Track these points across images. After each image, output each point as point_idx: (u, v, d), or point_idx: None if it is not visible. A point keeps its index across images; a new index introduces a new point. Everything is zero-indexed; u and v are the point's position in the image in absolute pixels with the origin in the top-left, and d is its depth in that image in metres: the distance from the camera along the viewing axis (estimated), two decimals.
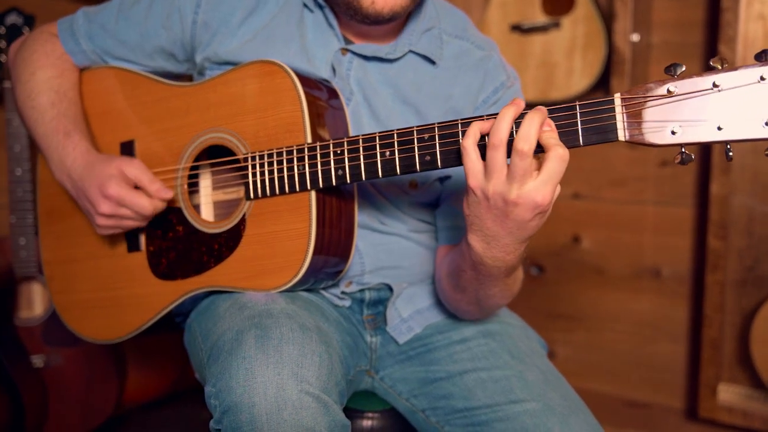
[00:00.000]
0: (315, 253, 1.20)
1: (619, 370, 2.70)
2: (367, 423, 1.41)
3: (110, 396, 2.42)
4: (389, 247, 1.39)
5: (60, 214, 1.49)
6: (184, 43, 1.40)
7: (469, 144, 1.03)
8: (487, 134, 1.03)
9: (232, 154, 1.31)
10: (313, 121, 1.21)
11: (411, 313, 1.39)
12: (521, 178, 0.99)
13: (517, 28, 2.63)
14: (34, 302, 2.41)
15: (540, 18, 2.60)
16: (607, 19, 2.50)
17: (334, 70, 1.34)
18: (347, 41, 1.37)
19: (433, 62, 1.37)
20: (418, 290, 1.42)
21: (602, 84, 2.53)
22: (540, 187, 0.99)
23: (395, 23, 1.36)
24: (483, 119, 1.04)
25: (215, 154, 1.35)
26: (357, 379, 1.39)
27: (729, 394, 2.47)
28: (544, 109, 1.00)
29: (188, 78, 1.49)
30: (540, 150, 1.00)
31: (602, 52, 2.51)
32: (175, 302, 1.34)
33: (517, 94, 1.42)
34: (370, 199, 1.36)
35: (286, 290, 1.24)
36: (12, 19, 2.29)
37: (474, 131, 1.03)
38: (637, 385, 2.67)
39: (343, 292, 1.38)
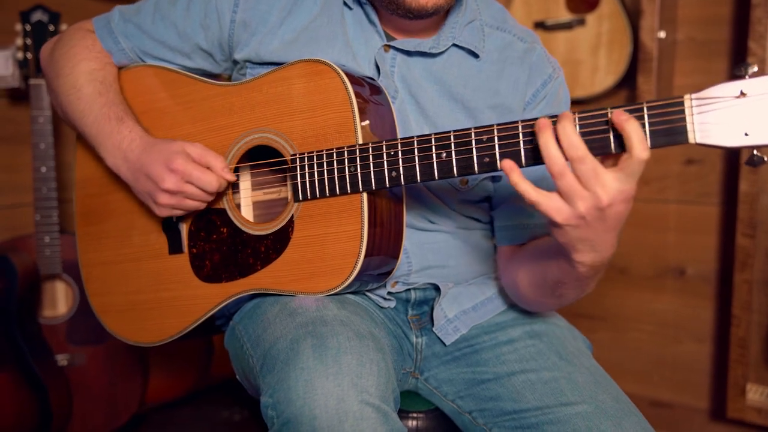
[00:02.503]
0: (366, 255, 1.18)
1: (642, 370, 2.68)
2: (412, 423, 1.39)
3: (134, 395, 2.41)
4: (436, 246, 1.37)
5: (98, 215, 1.48)
6: (222, 42, 1.38)
7: (536, 197, 1.02)
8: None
9: (277, 154, 1.30)
10: (363, 122, 1.20)
11: (457, 313, 1.38)
12: (596, 179, 0.98)
13: (540, 25, 2.61)
14: (58, 301, 2.40)
15: (564, 15, 2.58)
16: (633, 16, 2.48)
17: (378, 67, 1.33)
18: (389, 37, 1.35)
19: (476, 55, 1.36)
20: (464, 291, 1.41)
21: (627, 81, 2.52)
22: (624, 184, 0.99)
23: (437, 17, 1.34)
24: (511, 170, 1.03)
25: (258, 155, 1.33)
26: (402, 381, 1.37)
27: (757, 394, 2.46)
28: (568, 113, 0.99)
29: (226, 79, 1.47)
30: (600, 152, 0.99)
31: (627, 49, 2.49)
32: (219, 305, 1.32)
33: (562, 85, 1.41)
34: (418, 198, 1.35)
35: (336, 293, 1.22)
36: (37, 16, 2.28)
37: (526, 186, 1.02)
38: (661, 385, 2.66)
39: (389, 293, 1.37)
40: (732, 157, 2.43)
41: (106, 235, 1.46)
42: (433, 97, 1.34)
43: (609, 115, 0.98)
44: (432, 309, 1.40)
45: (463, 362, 1.36)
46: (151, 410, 2.62)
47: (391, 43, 1.33)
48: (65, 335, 2.34)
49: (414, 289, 1.39)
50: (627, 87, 2.55)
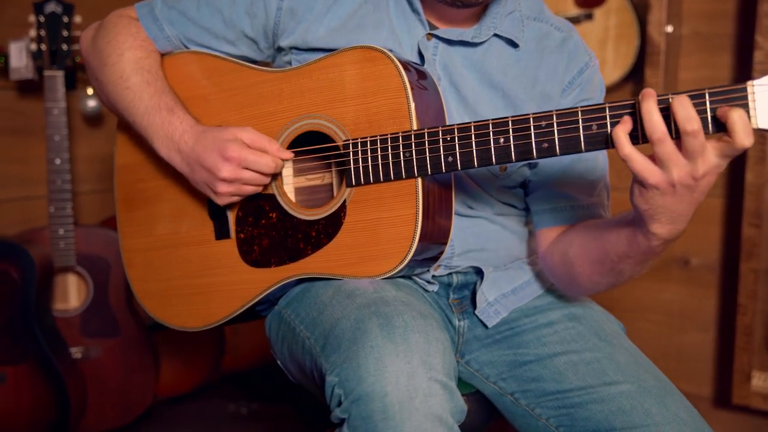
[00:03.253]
0: (420, 239, 1.21)
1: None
2: None
3: (148, 387, 2.41)
4: (476, 230, 1.40)
5: (140, 200, 1.48)
6: (267, 30, 1.40)
7: (629, 150, 1.04)
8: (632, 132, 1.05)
9: (325, 140, 1.31)
10: (417, 108, 1.21)
11: (497, 296, 1.41)
12: (701, 153, 1.00)
13: None
14: (70, 294, 2.39)
15: (572, 10, 2.61)
16: (639, 10, 2.52)
17: (421, 55, 1.35)
18: (431, 26, 1.37)
19: (516, 45, 1.38)
20: (502, 275, 1.43)
21: (635, 75, 2.56)
22: (721, 160, 1.02)
23: (479, 7, 1.36)
24: (622, 122, 1.06)
25: (305, 142, 1.34)
26: None
27: (761, 380, 2.52)
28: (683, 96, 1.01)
29: (267, 65, 1.48)
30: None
31: (635, 43, 2.53)
32: (268, 290, 1.33)
33: (597, 73, 1.44)
34: (459, 184, 1.37)
35: (388, 277, 1.24)
36: (51, 7, 2.28)
37: (624, 138, 1.05)
38: (665, 374, 2.68)
39: (433, 276, 1.39)
40: None
41: (148, 221, 1.47)
42: (473, 85, 1.36)
43: (707, 97, 1.01)
44: (472, 293, 1.43)
45: (504, 345, 1.39)
46: (158, 404, 2.60)
47: (434, 32, 1.35)
48: (79, 328, 2.34)
49: (455, 272, 1.41)
50: (633, 81, 2.59)
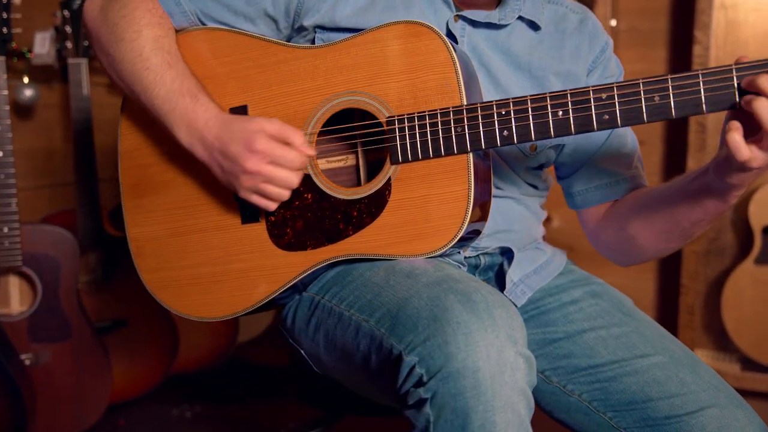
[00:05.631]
0: (471, 216, 1.20)
1: None
2: None
3: (103, 392, 2.28)
4: (503, 210, 1.40)
5: (150, 186, 1.40)
6: (290, 8, 1.35)
7: (747, 155, 1.07)
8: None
9: (358, 120, 1.28)
10: (466, 83, 1.21)
11: (521, 277, 1.42)
12: None
13: None
14: (11, 297, 2.23)
15: None
16: (584, 4, 2.60)
17: (451, 36, 1.35)
18: (456, 8, 1.37)
19: (537, 27, 1.40)
20: (522, 256, 1.44)
21: None
22: None
23: None
24: (733, 128, 1.08)
25: (337, 122, 1.31)
26: None
27: (701, 356, 2.67)
28: None
29: None
30: None
31: None
32: (305, 272, 1.29)
33: (613, 55, 1.49)
34: None
35: (436, 256, 1.22)
36: None
37: (742, 143, 1.07)
38: None
39: (465, 257, 1.38)
40: (673, 137, 2.62)
41: (161, 208, 1.39)
42: (500, 66, 1.37)
43: None
44: (496, 274, 1.43)
45: (532, 324, 1.40)
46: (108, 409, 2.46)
47: (461, 14, 1.35)
48: (27, 332, 2.18)
49: (483, 254, 1.41)
50: None
